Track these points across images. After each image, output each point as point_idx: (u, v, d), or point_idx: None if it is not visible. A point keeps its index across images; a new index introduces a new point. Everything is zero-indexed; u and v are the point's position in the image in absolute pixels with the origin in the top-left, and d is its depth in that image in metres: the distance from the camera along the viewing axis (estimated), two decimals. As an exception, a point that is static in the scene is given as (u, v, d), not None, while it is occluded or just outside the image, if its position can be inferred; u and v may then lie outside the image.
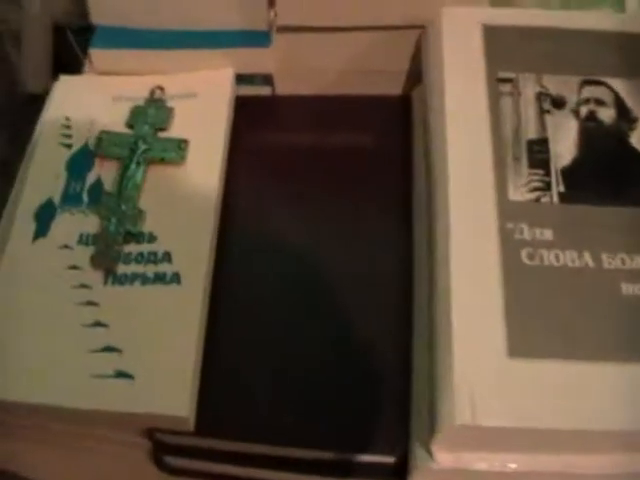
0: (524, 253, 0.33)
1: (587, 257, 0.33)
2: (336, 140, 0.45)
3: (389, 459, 0.36)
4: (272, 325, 0.40)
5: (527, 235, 0.34)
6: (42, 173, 0.44)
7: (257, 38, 0.45)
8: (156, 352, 0.38)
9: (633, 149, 0.37)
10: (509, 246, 0.33)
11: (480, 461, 0.32)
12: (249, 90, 0.47)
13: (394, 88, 0.47)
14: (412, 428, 0.35)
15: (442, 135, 0.37)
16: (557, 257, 0.33)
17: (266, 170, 0.45)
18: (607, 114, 0.38)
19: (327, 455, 0.36)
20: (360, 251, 0.41)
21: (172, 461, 0.40)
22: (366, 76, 0.46)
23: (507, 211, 0.34)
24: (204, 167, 0.43)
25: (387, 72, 0.46)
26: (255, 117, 0.47)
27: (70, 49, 0.66)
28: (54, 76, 0.54)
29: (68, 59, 0.66)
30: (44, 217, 0.42)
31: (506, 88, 0.38)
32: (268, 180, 0.44)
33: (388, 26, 0.44)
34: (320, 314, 0.40)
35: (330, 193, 0.43)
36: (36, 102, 0.66)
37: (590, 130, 0.37)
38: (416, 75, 0.46)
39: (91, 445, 0.41)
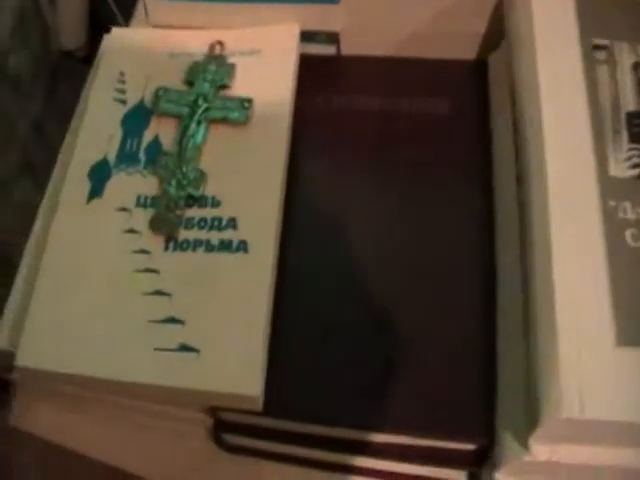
0: (629, 234, 0.31)
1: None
2: (407, 105, 0.43)
3: (469, 446, 0.35)
4: (342, 300, 0.38)
5: (631, 214, 0.32)
6: (96, 129, 0.42)
7: (326, -6, 0.43)
8: (223, 326, 0.36)
9: None
10: (612, 226, 0.31)
11: (575, 454, 0.30)
12: (312, 49, 0.45)
13: (467, 53, 0.45)
14: (500, 417, 0.33)
15: (536, 105, 0.35)
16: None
17: (332, 134, 0.43)
18: None
19: (403, 440, 0.35)
20: (435, 221, 0.39)
21: (231, 439, 0.40)
22: (438, 39, 0.44)
23: (609, 188, 0.32)
24: (270, 128, 0.41)
25: (461, 36, 0.44)
26: (320, 77, 0.44)
27: (107, 7, 0.63)
28: (91, 34, 0.53)
29: (104, 17, 0.64)
30: (99, 176, 0.40)
31: (601, 56, 0.36)
32: (334, 144, 0.43)
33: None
34: (394, 288, 0.38)
35: (400, 159, 0.42)
36: (71, 59, 0.64)
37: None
38: (493, 40, 0.44)
39: (148, 421, 0.40)
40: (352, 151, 0.42)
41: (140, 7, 0.49)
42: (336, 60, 0.46)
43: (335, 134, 0.43)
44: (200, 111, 0.41)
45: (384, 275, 0.38)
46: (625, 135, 0.34)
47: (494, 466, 0.33)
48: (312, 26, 0.44)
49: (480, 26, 0.43)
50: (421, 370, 0.36)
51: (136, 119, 0.42)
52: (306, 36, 0.45)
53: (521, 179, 0.36)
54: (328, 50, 0.46)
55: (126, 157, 0.41)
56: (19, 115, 0.56)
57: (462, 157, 0.41)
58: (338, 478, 0.38)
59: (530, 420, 0.30)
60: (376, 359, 0.36)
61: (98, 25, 0.61)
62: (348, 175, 0.41)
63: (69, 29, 0.61)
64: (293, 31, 0.44)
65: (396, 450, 0.36)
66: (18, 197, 0.57)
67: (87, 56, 0.63)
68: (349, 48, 0.45)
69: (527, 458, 0.31)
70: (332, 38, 0.45)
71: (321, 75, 0.45)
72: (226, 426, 0.39)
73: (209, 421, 0.39)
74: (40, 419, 0.43)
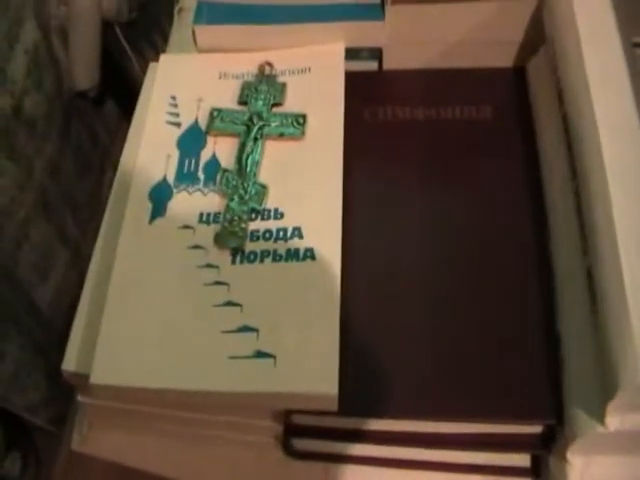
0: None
1: None
2: (451, 114, 0.47)
3: (537, 428, 0.38)
4: (402, 297, 0.41)
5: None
6: (153, 153, 0.45)
7: (370, 11, 0.47)
8: (297, 330, 0.38)
9: None
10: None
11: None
12: (355, 65, 0.49)
13: (504, 61, 0.49)
14: (568, 396, 0.36)
15: (587, 99, 0.38)
16: None
17: (381, 145, 0.46)
18: None
19: (472, 428, 0.38)
20: (489, 220, 0.43)
21: (300, 444, 0.42)
22: (475, 48, 0.48)
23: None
24: (325, 141, 0.44)
25: (498, 44, 0.48)
26: (366, 92, 0.48)
27: (118, 44, 0.67)
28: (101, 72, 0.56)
29: (116, 54, 0.67)
30: (159, 197, 0.43)
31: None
32: (383, 155, 0.46)
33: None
34: (452, 283, 0.41)
35: (449, 167, 0.45)
36: (84, 98, 0.67)
37: None
38: (531, 46, 0.47)
39: (216, 433, 0.43)
40: (401, 161, 0.45)
41: (175, 36, 0.54)
42: (379, 75, 0.50)
43: (383, 145, 0.46)
44: (256, 128, 0.45)
45: (441, 274, 0.41)
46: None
47: (564, 446, 0.36)
48: (357, 43, 0.48)
49: (517, 34, 0.47)
50: (484, 357, 0.38)
51: (191, 140, 0.45)
52: (349, 53, 0.48)
53: (577, 171, 0.39)
54: (371, 66, 0.49)
55: (185, 177, 0.44)
56: (35, 156, 0.59)
57: (510, 160, 0.45)
58: (408, 474, 0.41)
59: (605, 392, 0.33)
60: (439, 351, 0.39)
61: (108, 62, 0.65)
62: (399, 184, 0.45)
63: (82, 69, 0.64)
64: (339, 49, 0.48)
65: (466, 439, 0.38)
66: (35, 237, 0.59)
67: (100, 94, 0.67)
68: (390, 63, 0.49)
69: (600, 430, 0.33)
70: (375, 54, 0.49)
71: (367, 90, 0.48)
72: (297, 430, 0.41)
73: (278, 428, 0.41)
74: (103, 441, 0.45)
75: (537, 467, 0.40)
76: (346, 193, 0.43)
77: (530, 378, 0.38)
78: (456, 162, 0.45)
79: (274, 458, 0.43)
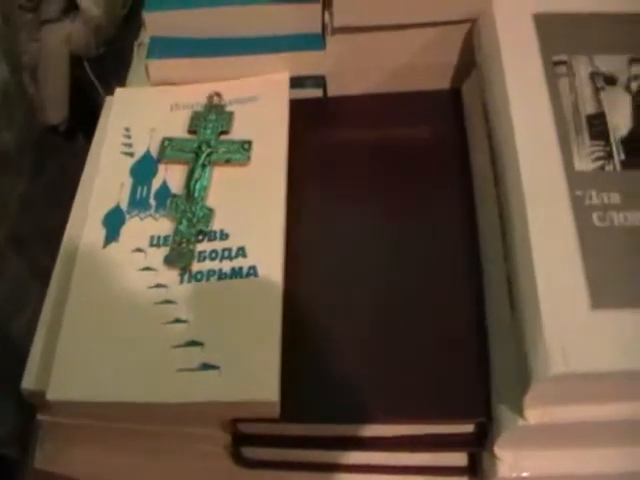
0: (595, 216, 0.38)
1: (654, 218, 0.39)
2: (392, 137, 0.52)
3: (468, 427, 0.41)
4: (344, 307, 0.45)
5: (596, 200, 0.39)
6: (107, 182, 0.50)
7: (312, 41, 0.52)
8: (240, 342, 0.43)
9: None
10: (581, 211, 0.39)
11: (568, 414, 0.37)
12: (301, 93, 0.54)
13: (442, 83, 0.54)
14: (494, 393, 0.40)
15: (507, 118, 0.43)
16: (626, 218, 0.38)
17: (324, 167, 0.51)
18: (656, 87, 0.44)
19: (408, 429, 0.42)
20: (425, 233, 0.47)
21: (250, 453, 0.46)
22: (414, 72, 0.53)
23: (575, 180, 0.40)
24: (269, 165, 0.49)
25: (436, 67, 0.52)
26: (310, 119, 0.53)
27: (87, 78, 0.72)
28: (71, 106, 0.61)
29: (85, 88, 0.73)
30: (113, 223, 0.48)
31: (561, 70, 0.44)
32: (326, 176, 0.51)
33: (439, 22, 0.50)
34: (390, 293, 0.45)
35: (389, 187, 0.49)
36: (55, 133, 0.72)
37: (640, 104, 0.44)
38: (465, 68, 0.52)
39: (170, 445, 0.46)
40: (344, 182, 0.50)
41: (134, 69, 0.59)
42: (324, 102, 0.55)
43: (327, 168, 0.51)
44: (204, 155, 0.49)
45: (380, 285, 0.46)
46: (587, 135, 0.42)
47: (493, 441, 0.40)
48: (301, 72, 0.53)
49: (453, 57, 0.52)
50: (419, 360, 0.42)
51: (144, 168, 0.50)
52: (295, 82, 0.53)
53: (498, 182, 0.43)
54: (316, 93, 0.54)
55: (137, 203, 0.49)
56: (8, 191, 0.63)
57: (446, 179, 0.49)
58: (355, 479, 0.45)
59: (522, 386, 0.37)
60: (377, 357, 0.43)
61: (78, 96, 0.70)
62: (342, 203, 0.49)
63: (52, 104, 0.69)
64: (284, 78, 0.53)
65: (404, 441, 0.42)
66: (8, 271, 0.63)
67: (70, 128, 0.72)
68: (335, 89, 0.54)
69: (521, 423, 0.37)
70: (319, 81, 0.53)
71: (312, 116, 0.53)
72: (245, 439, 0.45)
73: (228, 438, 0.45)
74: (64, 458, 0.49)
75: (474, 465, 0.44)
76: (292, 212, 0.48)
77: (461, 377, 0.42)
78: (396, 183, 0.50)
79: (225, 467, 0.47)
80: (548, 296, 0.37)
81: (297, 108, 0.52)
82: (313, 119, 0.53)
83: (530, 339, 0.36)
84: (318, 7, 0.50)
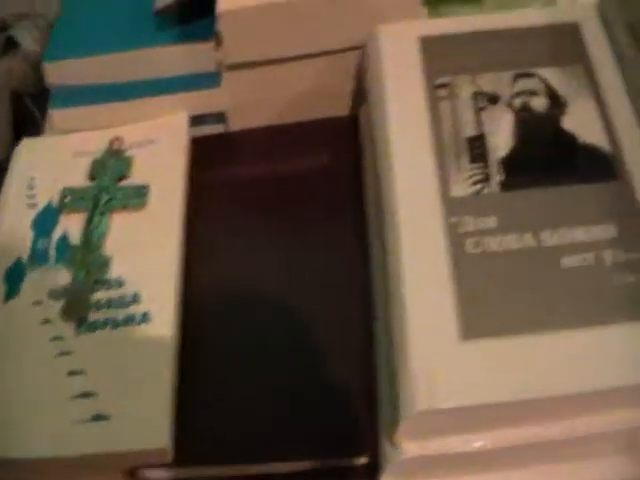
0: (469, 243, 0.38)
1: (528, 238, 0.38)
2: (292, 167, 0.52)
3: (360, 461, 0.41)
4: (238, 350, 0.45)
5: (471, 226, 0.39)
6: (9, 236, 0.50)
7: (208, 79, 0.52)
8: (130, 391, 0.42)
9: (565, 131, 0.43)
10: (455, 239, 0.38)
11: (446, 445, 0.36)
12: (203, 130, 0.54)
13: (343, 109, 0.54)
14: (379, 425, 0.39)
15: (386, 145, 0.43)
16: (500, 242, 0.38)
17: (228, 205, 0.51)
18: (539, 103, 0.44)
19: (301, 466, 0.41)
20: (320, 266, 0.47)
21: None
22: (314, 101, 0.53)
23: (451, 207, 0.40)
24: (165, 209, 0.49)
25: (334, 95, 0.52)
26: (212, 155, 0.53)
27: (29, 114, 0.73)
28: (15, 141, 0.61)
29: (27, 124, 0.73)
30: (14, 278, 0.48)
31: (443, 93, 0.44)
32: (230, 214, 0.50)
33: (330, 51, 0.50)
34: (282, 334, 0.45)
35: (289, 219, 0.49)
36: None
37: (524, 120, 0.43)
38: (361, 94, 0.51)
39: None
40: (245, 217, 0.50)
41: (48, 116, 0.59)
42: (225, 137, 0.55)
43: (227, 203, 0.51)
44: (103, 203, 0.49)
45: (275, 326, 0.45)
46: (466, 158, 0.41)
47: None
48: (201, 110, 0.53)
49: (348, 85, 0.52)
50: (310, 401, 0.42)
51: (45, 220, 0.50)
52: (196, 119, 0.53)
53: (379, 209, 0.43)
54: (218, 129, 0.54)
55: (38, 256, 0.48)
56: None
57: (343, 204, 0.49)
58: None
59: (394, 419, 0.36)
60: (271, 399, 0.42)
61: (20, 132, 0.71)
62: (241, 238, 0.49)
63: None
64: (182, 118, 0.53)
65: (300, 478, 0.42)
66: None
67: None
68: (237, 123, 0.54)
69: (400, 457, 0.36)
70: (220, 117, 0.54)
71: (213, 153, 0.53)
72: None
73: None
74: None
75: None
76: (192, 252, 0.48)
77: (350, 412, 0.41)
78: (296, 214, 0.49)
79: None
80: (417, 328, 0.36)
81: (199, 146, 0.52)
82: (215, 155, 0.53)
83: (399, 373, 0.36)
84: (210, 45, 0.50)
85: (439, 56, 0.46)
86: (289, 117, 0.53)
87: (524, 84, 0.45)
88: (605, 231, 0.39)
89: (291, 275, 0.47)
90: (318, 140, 0.52)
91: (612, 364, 0.35)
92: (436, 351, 0.36)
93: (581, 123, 0.43)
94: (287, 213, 0.50)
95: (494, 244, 0.38)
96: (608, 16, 0.47)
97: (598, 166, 0.41)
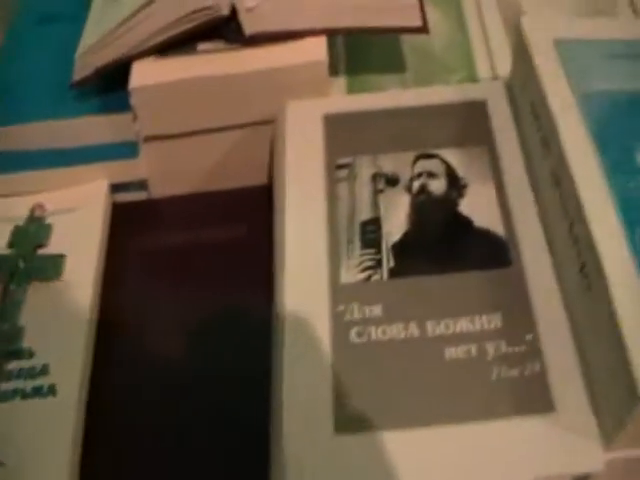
0: (353, 332, 0.39)
1: (413, 327, 0.39)
2: (209, 236, 0.53)
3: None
4: (148, 419, 0.46)
5: (357, 315, 0.40)
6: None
7: (127, 149, 0.53)
8: (33, 463, 0.43)
9: (461, 215, 0.44)
10: (339, 328, 0.39)
11: None
12: (126, 197, 0.55)
13: (260, 179, 0.55)
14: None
15: (282, 226, 0.44)
16: (384, 331, 0.39)
17: (145, 273, 0.52)
18: (437, 185, 0.45)
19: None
20: (232, 337, 0.48)
21: None
22: (234, 170, 0.54)
23: (339, 295, 0.41)
24: (80, 279, 0.50)
25: (254, 165, 0.54)
26: (132, 222, 0.54)
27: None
28: None
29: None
30: None
31: (343, 174, 0.45)
32: (147, 282, 0.52)
33: (245, 124, 0.52)
34: (193, 404, 0.46)
35: (203, 289, 0.50)
36: None
37: (421, 203, 0.44)
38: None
39: None
40: (161, 286, 0.51)
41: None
42: (146, 204, 0.56)
43: (146, 272, 0.52)
44: (19, 272, 0.51)
45: (184, 395, 0.46)
46: (358, 243, 0.43)
47: None
48: (121, 178, 0.54)
49: (264, 155, 0.53)
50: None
51: (-35, 289, 0.51)
52: (120, 186, 0.55)
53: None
54: (140, 196, 0.56)
55: (-46, 324, 0.50)
56: None
57: (256, 274, 0.49)
58: None
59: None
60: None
61: None
62: (157, 309, 0.50)
63: None
64: (102, 187, 0.54)
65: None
66: None
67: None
68: (159, 191, 0.55)
69: None
70: (142, 185, 0.55)
71: (134, 219, 0.54)
72: None
73: None
74: None
75: None
76: (107, 321, 0.49)
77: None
78: (210, 283, 0.50)
79: None
80: (292, 418, 0.37)
81: (120, 212, 0.54)
82: (135, 222, 0.54)
83: (273, 463, 0.37)
84: (129, 117, 0.51)
85: (343, 135, 0.47)
86: (210, 185, 0.55)
87: (424, 165, 0.46)
88: (490, 321, 0.40)
89: (204, 344, 0.48)
90: (236, 209, 0.54)
91: (485, 462, 0.36)
92: (309, 444, 0.36)
93: (478, 207, 0.44)
94: (202, 281, 0.51)
95: (378, 333, 0.39)
96: (514, 94, 0.48)
97: (491, 252, 0.42)
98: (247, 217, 0.53)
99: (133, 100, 0.50)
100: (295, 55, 0.50)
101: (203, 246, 0.53)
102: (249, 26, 0.49)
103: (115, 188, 0.55)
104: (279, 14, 0.50)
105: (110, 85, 0.53)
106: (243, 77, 0.49)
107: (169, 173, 0.54)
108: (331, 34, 0.51)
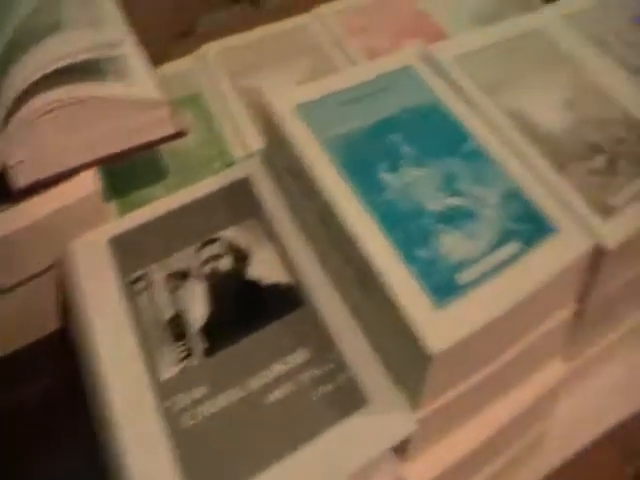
0: (184, 418, 0.41)
1: (236, 391, 0.43)
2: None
3: None
4: None
5: (185, 402, 0.42)
6: None
7: None
8: None
9: (250, 281, 0.48)
10: (171, 420, 0.41)
11: None
12: None
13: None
14: None
15: (92, 353, 0.45)
16: (212, 405, 0.42)
17: None
18: (225, 263, 0.49)
19: None
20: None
21: None
22: (29, 327, 0.55)
23: (163, 391, 0.43)
24: None
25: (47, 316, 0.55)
26: None
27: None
28: None
29: None
30: None
31: (140, 286, 0.48)
32: None
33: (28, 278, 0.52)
34: None
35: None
36: None
37: (214, 284, 0.48)
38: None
39: None
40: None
41: None
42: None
43: None
44: None
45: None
46: (169, 339, 0.45)
47: None
48: None
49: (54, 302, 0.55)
50: None
51: None
52: None
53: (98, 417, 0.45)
54: None
55: None
56: None
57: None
58: None
59: None
60: None
61: None
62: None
63: None
64: None
65: None
66: None
67: None
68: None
69: None
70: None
71: None
72: None
73: None
74: None
75: None
76: None
77: None
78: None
79: None
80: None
81: None
82: None
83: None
84: None
85: (130, 252, 0.50)
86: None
87: (211, 250, 0.49)
88: (300, 356, 0.45)
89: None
90: (32, 367, 0.55)
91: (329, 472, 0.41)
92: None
93: (264, 268, 0.48)
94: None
95: (207, 409, 0.42)
96: (271, 162, 0.53)
97: (284, 300, 0.47)
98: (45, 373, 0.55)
99: None
100: (66, 195, 0.51)
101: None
102: (21, 179, 0.51)
103: None
104: (47, 160, 0.52)
105: None
106: (17, 235, 0.50)
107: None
108: (98, 164, 0.53)
